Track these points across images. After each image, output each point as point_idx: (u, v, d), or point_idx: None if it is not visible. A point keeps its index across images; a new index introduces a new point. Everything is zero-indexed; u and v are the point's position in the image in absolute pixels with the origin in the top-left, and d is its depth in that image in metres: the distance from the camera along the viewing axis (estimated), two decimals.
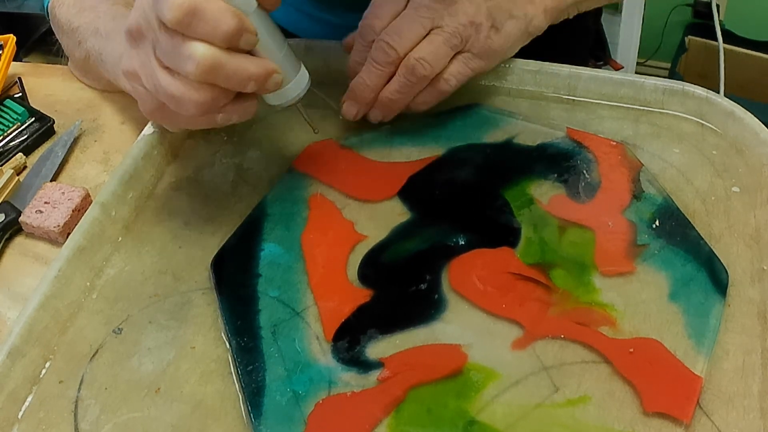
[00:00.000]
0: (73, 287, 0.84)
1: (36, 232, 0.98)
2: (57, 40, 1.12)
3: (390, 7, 0.94)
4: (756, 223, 0.87)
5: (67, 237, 0.92)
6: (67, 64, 1.24)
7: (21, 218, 0.97)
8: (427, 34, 0.92)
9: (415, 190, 0.93)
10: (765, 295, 0.80)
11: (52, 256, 0.96)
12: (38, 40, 3.26)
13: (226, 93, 0.77)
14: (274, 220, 0.90)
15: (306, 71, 0.85)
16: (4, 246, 0.98)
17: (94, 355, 0.80)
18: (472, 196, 0.91)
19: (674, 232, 0.85)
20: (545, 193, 0.91)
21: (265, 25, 0.78)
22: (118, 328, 0.82)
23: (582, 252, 0.84)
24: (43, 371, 0.79)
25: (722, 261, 0.82)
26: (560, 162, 0.94)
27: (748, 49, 2.87)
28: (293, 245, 0.87)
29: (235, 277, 0.84)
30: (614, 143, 0.95)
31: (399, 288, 0.82)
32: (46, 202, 0.98)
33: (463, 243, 0.86)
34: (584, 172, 0.92)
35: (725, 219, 0.87)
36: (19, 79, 1.25)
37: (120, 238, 0.91)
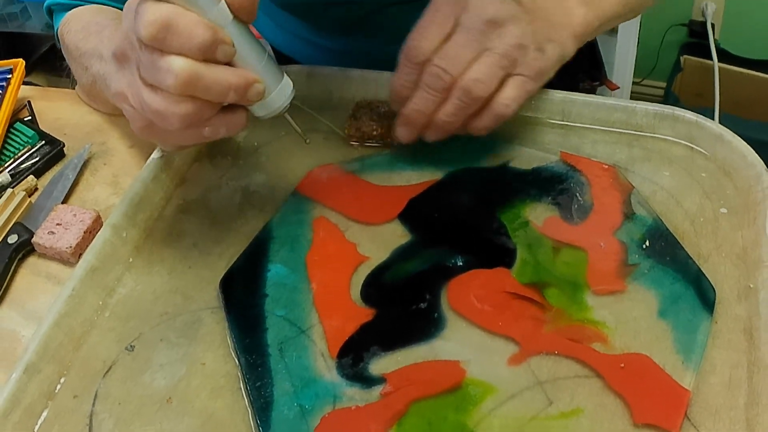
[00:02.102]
0: (87, 306, 0.87)
1: (48, 253, 1.00)
2: (61, 60, 1.13)
3: (437, 29, 0.93)
4: (743, 242, 0.89)
5: (79, 257, 0.94)
6: (71, 84, 1.26)
7: (34, 239, 0.99)
8: (476, 57, 0.92)
9: (414, 213, 0.94)
10: (751, 311, 0.81)
11: (64, 275, 0.98)
12: (40, 59, 3.28)
13: (209, 105, 0.78)
14: (280, 243, 0.92)
15: (289, 81, 0.85)
16: (18, 266, 1.00)
17: (107, 371, 0.82)
18: (469, 219, 0.93)
19: (664, 252, 0.87)
20: (540, 215, 0.93)
21: (243, 36, 0.78)
22: (131, 346, 0.84)
23: (575, 272, 0.86)
24: (58, 386, 0.81)
25: (710, 279, 0.84)
26: (554, 185, 0.96)
27: (743, 67, 2.86)
28: (298, 266, 0.89)
29: (243, 297, 0.86)
30: (606, 166, 0.97)
31: (400, 307, 0.84)
32: (58, 224, 1.00)
33: (461, 264, 0.88)
34: (577, 194, 0.94)
35: (713, 239, 0.89)
36: (29, 102, 1.28)
37: (131, 259, 0.93)
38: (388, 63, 1.24)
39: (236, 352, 0.81)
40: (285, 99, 0.84)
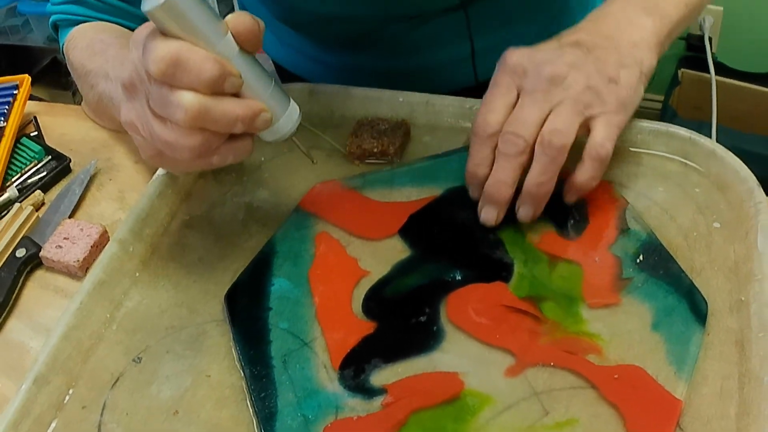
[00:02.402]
0: (94, 319, 0.89)
1: (56, 266, 1.02)
2: (67, 75, 1.14)
3: (501, 100, 0.93)
4: (735, 256, 0.89)
5: (86, 271, 0.97)
6: (75, 98, 1.28)
7: (42, 253, 1.01)
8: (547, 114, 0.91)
9: (414, 229, 0.96)
10: (742, 324, 0.82)
11: (72, 289, 1.00)
12: (42, 72, 3.30)
13: (217, 136, 0.79)
14: (283, 257, 0.94)
15: (296, 105, 0.86)
16: (26, 279, 1.02)
17: (115, 383, 0.84)
18: (468, 234, 0.94)
19: (657, 265, 0.88)
20: (537, 230, 0.94)
21: (250, 66, 0.79)
22: (138, 357, 0.86)
23: (570, 286, 0.87)
24: (67, 398, 0.83)
25: (702, 293, 0.85)
26: (551, 201, 0.94)
27: (740, 81, 2.85)
28: (301, 280, 0.90)
29: (247, 311, 0.88)
30: (601, 182, 0.95)
31: (400, 320, 0.86)
32: (65, 238, 1.02)
33: (459, 278, 0.89)
34: (573, 210, 0.95)
35: (706, 253, 0.90)
36: (35, 117, 1.29)
37: (137, 273, 0.95)
38: (391, 78, 1.25)
39: (241, 364, 0.83)
40: (292, 124, 0.86)
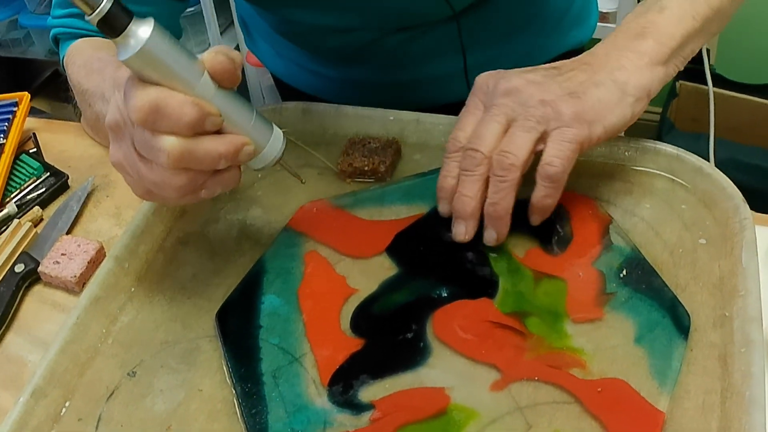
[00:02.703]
0: (91, 333, 0.90)
1: (54, 282, 1.03)
2: (66, 90, 1.14)
3: (470, 117, 0.96)
4: (720, 272, 0.90)
5: (83, 287, 0.99)
6: (76, 111, 1.29)
7: (40, 268, 1.03)
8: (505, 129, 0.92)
9: (401, 247, 0.97)
10: (726, 339, 0.83)
11: (69, 303, 1.02)
12: (43, 85, 3.31)
13: (203, 173, 0.81)
14: (273, 276, 0.95)
15: (280, 132, 0.88)
16: (24, 293, 1.04)
17: (110, 396, 0.85)
18: (454, 251, 0.95)
19: (640, 280, 0.89)
20: (521, 246, 0.94)
21: (229, 101, 0.81)
22: (132, 371, 0.87)
23: (555, 301, 0.88)
24: (63, 410, 0.85)
25: (687, 308, 0.86)
26: None
27: (738, 92, 2.85)
28: (291, 298, 0.92)
29: (238, 329, 0.89)
30: (586, 199, 0.99)
31: (388, 337, 0.87)
32: (63, 254, 1.04)
33: (445, 295, 0.90)
34: (558, 226, 0.96)
35: (691, 269, 0.91)
36: (34, 134, 1.31)
37: (133, 289, 0.96)
38: (387, 90, 1.27)
39: (232, 381, 0.84)
40: (277, 152, 0.87)
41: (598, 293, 0.89)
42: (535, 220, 0.95)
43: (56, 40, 1.17)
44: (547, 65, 0.97)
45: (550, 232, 0.96)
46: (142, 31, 0.75)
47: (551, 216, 0.95)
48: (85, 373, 0.88)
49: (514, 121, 0.91)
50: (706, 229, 0.96)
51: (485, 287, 0.90)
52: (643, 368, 0.81)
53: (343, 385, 0.82)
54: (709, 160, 1.00)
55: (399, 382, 0.82)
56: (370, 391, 0.82)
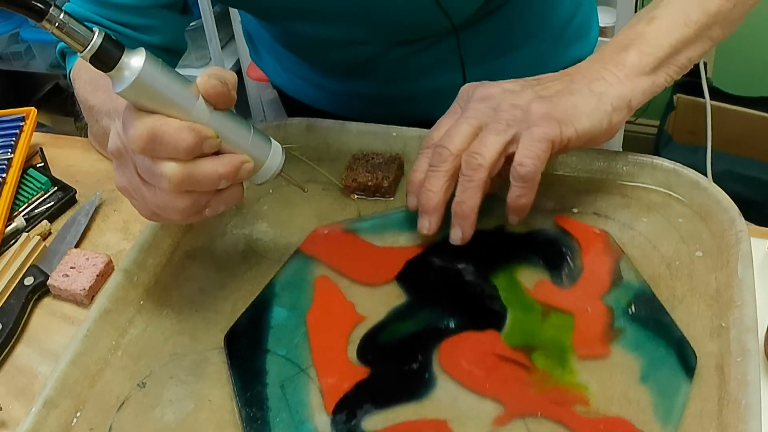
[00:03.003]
0: (101, 345, 0.92)
1: (63, 294, 1.05)
2: (72, 105, 1.15)
3: (447, 119, 0.99)
4: (717, 284, 0.92)
5: (92, 299, 1.00)
6: (77, 124, 1.30)
7: (49, 281, 1.04)
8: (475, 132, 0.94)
9: (411, 275, 0.96)
10: (722, 348, 0.84)
11: (78, 316, 1.03)
12: (44, 98, 3.32)
13: (205, 193, 0.84)
14: (282, 300, 0.95)
15: (278, 145, 0.89)
16: (33, 306, 1.05)
17: (120, 406, 0.87)
18: (463, 281, 0.94)
19: (648, 317, 0.88)
20: (531, 278, 0.94)
21: (226, 122, 0.83)
22: (142, 383, 0.89)
23: (562, 336, 0.87)
24: (75, 420, 0.86)
25: (684, 319, 0.87)
26: (546, 249, 0.97)
27: (735, 105, 2.85)
28: (299, 324, 0.92)
29: (245, 353, 0.90)
30: (598, 231, 0.98)
31: (393, 366, 0.86)
32: (72, 267, 1.05)
33: (453, 326, 0.89)
34: (568, 259, 0.95)
35: (688, 281, 0.92)
36: (41, 149, 1.32)
37: (142, 302, 0.98)
38: (389, 104, 1.28)
39: (238, 405, 0.85)
40: (277, 165, 0.89)
41: (606, 329, 0.88)
42: (513, 219, 0.97)
43: (62, 54, 1.18)
44: (530, 77, 0.99)
45: (561, 265, 0.95)
46: (135, 62, 0.76)
47: (562, 247, 0.96)
48: (95, 384, 0.90)
49: (486, 126, 0.93)
50: (703, 241, 0.97)
51: (493, 319, 0.90)
52: (647, 408, 0.81)
53: (347, 413, 0.83)
54: (706, 173, 1.02)
55: (402, 413, 0.83)
56: (373, 421, 0.82)
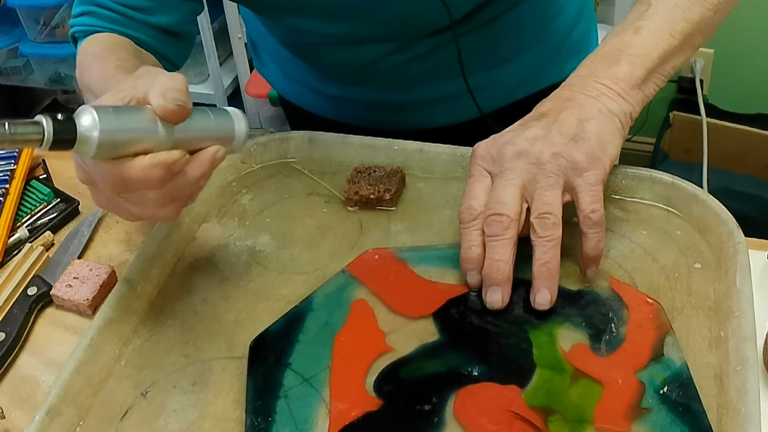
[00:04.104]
0: (104, 355, 0.92)
1: (66, 305, 1.05)
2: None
3: (479, 185, 0.95)
4: (715, 295, 0.92)
5: (95, 309, 1.00)
6: None
7: (52, 291, 1.05)
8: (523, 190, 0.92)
9: (449, 314, 0.93)
10: (721, 358, 0.85)
11: (81, 326, 1.03)
12: (42, 112, 3.33)
13: (188, 194, 0.87)
14: (317, 316, 0.94)
15: (237, 111, 0.91)
16: (37, 316, 1.05)
17: (124, 415, 0.87)
18: (499, 330, 0.91)
19: (679, 401, 0.82)
20: (570, 339, 0.89)
21: (189, 125, 0.84)
22: (146, 392, 0.89)
23: (585, 404, 0.83)
24: (78, 429, 0.87)
25: (683, 330, 0.88)
26: (593, 311, 0.92)
27: (731, 122, 2.85)
28: (327, 343, 0.90)
29: (267, 362, 0.89)
30: (650, 300, 0.92)
31: (407, 403, 0.84)
32: (75, 278, 1.05)
33: (476, 373, 0.86)
34: (612, 325, 0.90)
35: (687, 293, 0.93)
36: (43, 161, 1.33)
37: (145, 312, 0.98)
38: (390, 110, 1.29)
39: (246, 412, 0.85)
40: (244, 129, 0.91)
41: (632, 406, 0.83)
42: (592, 271, 0.94)
43: (74, 40, 1.18)
44: (535, 114, 0.98)
45: (603, 330, 0.90)
46: (88, 124, 0.76)
47: (609, 312, 0.92)
48: (99, 393, 0.90)
49: (535, 182, 0.91)
50: (701, 253, 0.98)
51: (519, 374, 0.86)
52: None
53: None
54: (702, 189, 1.02)
55: None
56: None
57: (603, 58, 1.00)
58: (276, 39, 1.37)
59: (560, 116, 0.95)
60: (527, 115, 0.99)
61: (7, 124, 0.72)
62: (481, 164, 0.96)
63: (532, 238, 0.90)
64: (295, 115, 1.52)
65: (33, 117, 0.76)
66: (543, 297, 0.91)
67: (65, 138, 0.75)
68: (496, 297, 0.91)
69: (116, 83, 0.90)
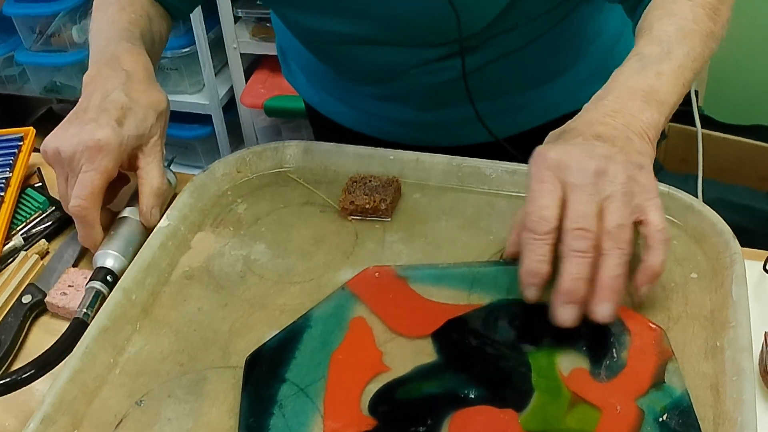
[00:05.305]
0: (99, 363, 0.92)
1: (60, 312, 1.05)
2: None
3: (551, 195, 0.90)
4: (711, 305, 0.93)
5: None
6: None
7: (47, 299, 1.05)
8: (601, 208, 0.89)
9: (447, 335, 0.92)
10: (717, 368, 0.85)
11: None
12: (38, 122, 3.32)
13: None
14: (314, 333, 0.93)
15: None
16: (31, 324, 1.05)
17: (118, 424, 0.87)
18: (498, 352, 0.90)
19: (678, 429, 0.81)
20: (570, 363, 0.88)
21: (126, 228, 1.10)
22: (140, 401, 0.89)
23: (582, 430, 0.81)
24: None
25: (679, 340, 0.88)
26: (595, 336, 0.90)
27: (726, 133, 2.87)
28: (323, 360, 0.89)
29: (262, 378, 0.89)
30: (653, 326, 0.91)
31: (400, 425, 0.83)
32: (69, 286, 1.05)
33: (473, 396, 0.85)
34: (614, 350, 0.89)
35: (683, 302, 0.94)
36: (39, 169, 1.33)
37: (140, 321, 0.98)
38: (413, 127, 1.33)
39: (239, 428, 0.84)
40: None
41: None
42: (648, 289, 0.92)
43: None
44: (590, 135, 0.95)
45: (604, 355, 0.89)
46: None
47: (611, 337, 0.91)
48: (93, 402, 0.90)
49: (611, 199, 0.89)
50: (697, 263, 0.99)
51: (516, 398, 0.85)
52: None
53: None
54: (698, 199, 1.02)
55: None
56: None
57: (634, 93, 0.98)
58: (296, 39, 1.37)
59: (618, 143, 0.93)
60: (576, 130, 0.96)
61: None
62: (554, 172, 0.91)
63: (605, 248, 0.87)
64: (320, 124, 1.53)
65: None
66: (605, 309, 0.88)
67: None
68: (573, 315, 0.88)
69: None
